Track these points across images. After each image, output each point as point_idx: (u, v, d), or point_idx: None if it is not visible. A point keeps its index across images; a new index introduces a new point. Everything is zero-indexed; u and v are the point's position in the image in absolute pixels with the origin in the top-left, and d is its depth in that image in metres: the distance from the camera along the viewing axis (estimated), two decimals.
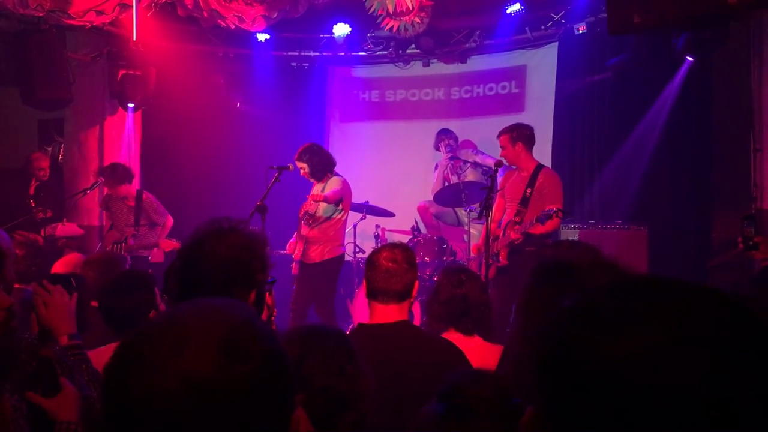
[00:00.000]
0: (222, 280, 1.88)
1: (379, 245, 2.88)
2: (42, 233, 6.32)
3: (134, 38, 6.41)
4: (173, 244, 6.34)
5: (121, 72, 7.25)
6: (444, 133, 7.87)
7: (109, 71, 7.34)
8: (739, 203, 6.29)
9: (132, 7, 6.11)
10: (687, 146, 6.82)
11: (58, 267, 4.17)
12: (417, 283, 2.70)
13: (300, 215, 5.99)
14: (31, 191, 7.09)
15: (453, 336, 3.02)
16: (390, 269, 2.62)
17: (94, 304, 3.09)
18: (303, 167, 5.91)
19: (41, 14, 6.02)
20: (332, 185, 5.87)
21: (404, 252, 2.69)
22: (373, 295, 2.64)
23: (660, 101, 6.85)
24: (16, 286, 3.66)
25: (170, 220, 6.66)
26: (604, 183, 7.23)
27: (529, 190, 5.36)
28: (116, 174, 6.56)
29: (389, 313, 2.61)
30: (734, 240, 5.52)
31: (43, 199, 7.06)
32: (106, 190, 6.81)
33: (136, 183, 7.67)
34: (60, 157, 7.93)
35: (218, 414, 0.80)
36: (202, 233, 1.95)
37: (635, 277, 0.80)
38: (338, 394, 1.72)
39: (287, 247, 6.09)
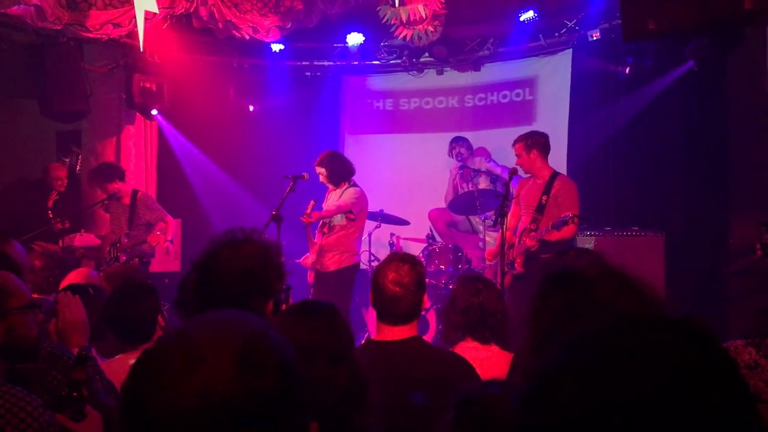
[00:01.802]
0: (239, 291, 1.88)
1: (387, 258, 2.70)
2: (60, 244, 6.37)
3: (141, 48, 6.43)
4: (158, 239, 6.25)
5: (138, 83, 7.31)
6: (456, 141, 7.87)
7: (125, 82, 7.40)
8: (758, 209, 6.22)
9: (149, 19, 6.16)
10: (704, 151, 6.77)
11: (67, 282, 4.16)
12: (425, 297, 2.61)
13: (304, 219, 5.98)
14: (50, 203, 7.15)
15: (470, 345, 3.01)
16: (396, 294, 2.50)
17: None
18: (321, 172, 5.95)
19: (59, 27, 6.09)
20: (347, 196, 5.88)
21: (412, 271, 2.53)
22: (379, 315, 2.57)
23: (676, 106, 6.81)
24: (35, 296, 3.71)
25: (172, 221, 6.61)
26: (621, 189, 7.19)
27: (544, 198, 5.34)
28: (101, 173, 6.56)
29: (396, 332, 2.55)
30: (752, 246, 5.47)
31: (61, 210, 7.11)
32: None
33: (152, 192, 7.73)
34: (78, 168, 8.00)
35: (235, 427, 0.79)
36: (218, 245, 1.96)
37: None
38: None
39: (302, 261, 6.09)
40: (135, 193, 6.62)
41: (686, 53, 6.26)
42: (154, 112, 7.60)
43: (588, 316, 1.50)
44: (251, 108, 8.36)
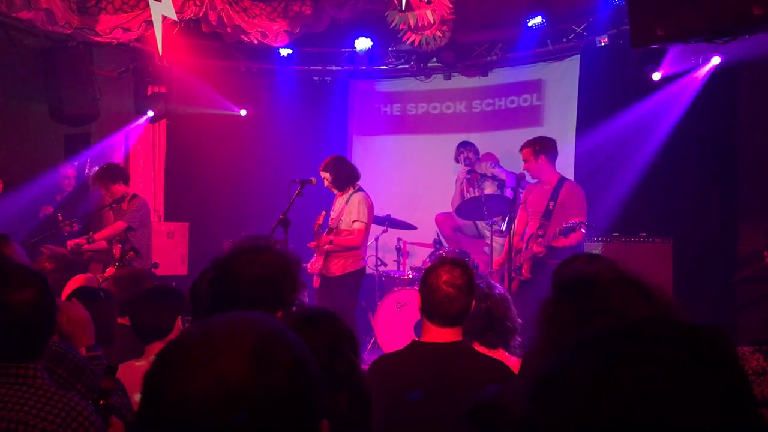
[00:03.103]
0: (252, 296, 1.91)
1: (437, 260, 2.73)
2: (68, 247, 6.39)
3: (160, 53, 6.48)
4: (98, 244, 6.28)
5: (147, 87, 7.34)
6: (463, 146, 7.88)
7: (134, 86, 7.44)
8: (766, 217, 6.20)
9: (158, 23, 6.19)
10: (712, 157, 6.75)
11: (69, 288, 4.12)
12: (474, 303, 2.65)
13: (315, 229, 6.00)
14: (58, 206, 7.17)
15: (477, 350, 3.02)
16: (450, 295, 2.55)
17: (121, 320, 3.12)
18: (326, 177, 5.96)
19: (69, 31, 6.12)
20: (352, 205, 5.86)
21: (464, 274, 2.59)
22: (428, 316, 2.60)
23: (685, 111, 6.79)
24: None
25: (121, 225, 6.51)
26: (628, 195, 7.17)
27: (551, 203, 5.35)
28: (109, 173, 6.56)
29: (444, 334, 2.59)
30: (760, 253, 5.44)
31: (69, 212, 7.14)
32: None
33: (159, 196, 7.76)
34: (86, 171, 8.03)
35: (249, 420, 0.81)
36: (239, 249, 1.99)
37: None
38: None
39: (309, 267, 6.09)
40: (133, 197, 6.65)
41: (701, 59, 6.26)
42: (158, 115, 7.62)
43: (600, 323, 1.49)
44: (243, 113, 8.35)
